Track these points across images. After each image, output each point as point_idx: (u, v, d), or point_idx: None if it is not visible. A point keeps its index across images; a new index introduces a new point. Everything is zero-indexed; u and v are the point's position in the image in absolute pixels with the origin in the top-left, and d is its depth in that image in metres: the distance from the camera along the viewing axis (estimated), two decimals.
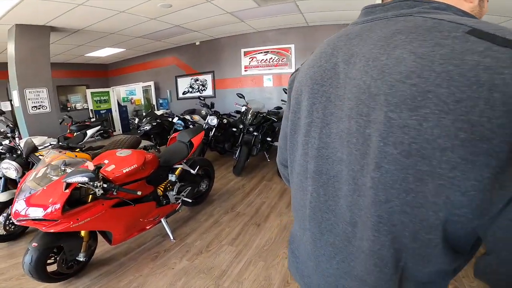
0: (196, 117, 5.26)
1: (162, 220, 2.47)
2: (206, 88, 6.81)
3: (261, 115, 4.31)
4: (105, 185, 1.78)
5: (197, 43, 6.61)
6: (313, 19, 5.03)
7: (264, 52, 5.79)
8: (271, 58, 5.76)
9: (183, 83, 7.18)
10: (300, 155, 0.57)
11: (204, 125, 4.58)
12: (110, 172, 1.90)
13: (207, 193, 3.27)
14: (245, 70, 6.02)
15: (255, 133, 4.24)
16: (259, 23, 5.21)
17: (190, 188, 2.72)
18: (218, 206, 3.19)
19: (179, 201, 2.61)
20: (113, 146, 2.86)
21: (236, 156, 4.18)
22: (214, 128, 4.52)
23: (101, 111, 8.68)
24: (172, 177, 2.45)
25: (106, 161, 1.99)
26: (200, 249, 2.36)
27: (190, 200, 2.71)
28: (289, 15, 4.78)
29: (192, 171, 2.68)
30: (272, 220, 2.84)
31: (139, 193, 1.93)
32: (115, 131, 8.66)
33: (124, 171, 1.92)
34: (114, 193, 1.86)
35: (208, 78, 6.73)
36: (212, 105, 4.73)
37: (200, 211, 3.06)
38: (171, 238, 2.47)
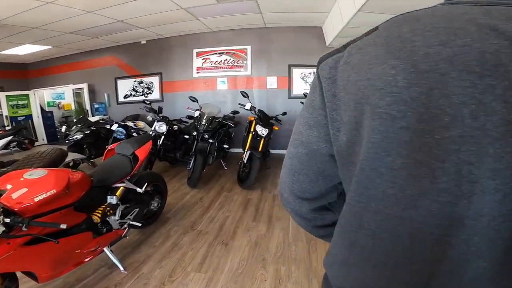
0: (141, 124, 4.65)
1: (105, 249, 1.97)
2: (153, 91, 6.17)
3: (216, 120, 3.96)
4: (7, 220, 1.27)
5: (143, 42, 5.97)
6: (271, 20, 4.92)
7: (219, 53, 5.48)
8: (226, 59, 5.47)
9: (125, 86, 6.40)
10: (418, 191, 0.35)
11: (151, 132, 4.03)
12: (15, 201, 1.35)
13: (160, 211, 2.80)
14: (198, 72, 5.60)
15: (211, 140, 3.88)
16: (215, 22, 4.90)
17: (138, 209, 2.24)
18: (174, 225, 2.75)
19: (125, 225, 2.13)
20: (28, 162, 2.19)
21: (190, 166, 3.74)
22: (163, 136, 4.00)
23: (18, 118, 7.24)
24: (111, 200, 1.95)
25: (9, 186, 1.42)
26: (161, 280, 1.94)
27: (139, 224, 2.24)
28: (247, 15, 4.59)
29: (138, 189, 2.20)
30: (240, 237, 2.55)
31: (63, 226, 1.42)
32: (37, 141, 7.29)
33: (37, 199, 1.39)
34: (24, 228, 1.33)
35: (154, 80, 6.10)
36: (160, 109, 4.21)
37: (154, 232, 2.59)
38: (121, 268, 2.00)
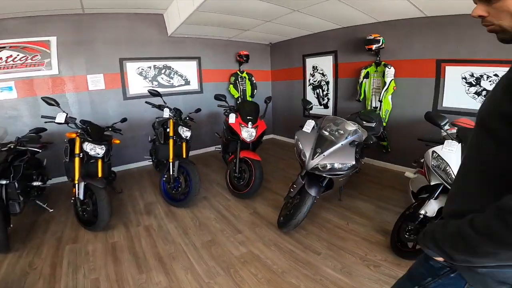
0: None
1: None
2: None
3: (4, 149, 2.46)
4: None
5: None
6: (93, 4, 3.71)
7: None
8: (11, 56, 3.65)
9: None
10: None
11: None
12: None
13: None
14: None
15: (4, 182, 2.41)
16: None
17: None
18: None
19: None
20: None
21: None
22: None
23: None
24: None
25: None
26: None
27: None
28: None
29: None
30: None
31: None
32: None
33: None
34: None
35: None
36: None
37: None
38: None
